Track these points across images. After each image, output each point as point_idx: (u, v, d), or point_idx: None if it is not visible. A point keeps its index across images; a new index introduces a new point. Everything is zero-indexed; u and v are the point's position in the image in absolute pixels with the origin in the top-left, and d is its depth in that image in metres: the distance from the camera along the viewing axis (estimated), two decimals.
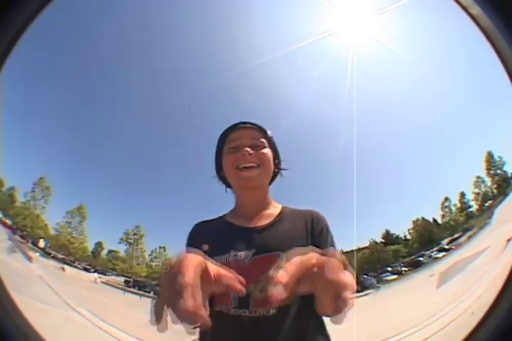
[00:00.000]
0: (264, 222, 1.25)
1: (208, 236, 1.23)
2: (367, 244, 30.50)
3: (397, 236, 30.64)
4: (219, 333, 1.07)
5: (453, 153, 34.77)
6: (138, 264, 31.71)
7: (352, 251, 30.97)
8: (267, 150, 1.29)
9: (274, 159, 1.34)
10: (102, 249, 33.28)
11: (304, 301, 1.07)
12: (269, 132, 1.33)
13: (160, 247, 31.03)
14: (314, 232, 1.21)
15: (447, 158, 35.26)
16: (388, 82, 41.95)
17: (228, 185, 1.40)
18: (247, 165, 1.22)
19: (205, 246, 1.10)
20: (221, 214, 1.39)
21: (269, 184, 1.36)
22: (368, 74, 40.16)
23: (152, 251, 32.00)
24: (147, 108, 43.75)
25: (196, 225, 1.34)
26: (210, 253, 1.09)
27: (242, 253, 1.15)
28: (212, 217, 1.38)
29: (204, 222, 1.36)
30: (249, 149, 1.23)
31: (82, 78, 40.32)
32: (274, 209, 1.31)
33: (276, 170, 1.38)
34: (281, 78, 47.76)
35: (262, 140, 1.29)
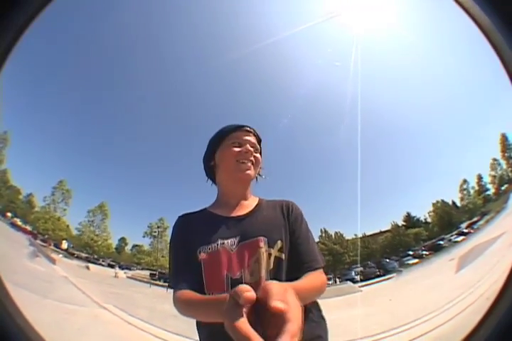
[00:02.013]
0: (244, 211, 1.34)
1: (193, 228, 1.33)
2: (389, 227, 30.57)
3: (418, 219, 30.42)
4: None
5: (469, 135, 34.29)
6: (163, 257, 32.03)
7: (375, 234, 31.13)
8: (259, 156, 1.40)
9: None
10: (126, 244, 33.85)
11: (289, 281, 1.11)
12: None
13: None
14: (290, 219, 1.31)
15: (464, 139, 34.83)
16: (397, 64, 41.41)
17: (211, 176, 1.48)
18: (246, 161, 1.33)
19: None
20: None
21: None
22: (373, 55, 39.78)
23: None
24: (160, 102, 43.93)
25: (180, 217, 1.40)
26: (198, 243, 1.25)
27: (228, 241, 1.23)
28: (194, 210, 1.44)
29: (187, 214, 1.42)
30: (251, 149, 1.35)
31: (92, 78, 40.67)
32: (253, 201, 1.40)
33: (258, 175, 1.47)
34: (285, 60, 47.47)
35: (258, 146, 1.42)
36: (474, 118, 36.01)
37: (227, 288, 1.14)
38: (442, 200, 28.98)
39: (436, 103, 38.50)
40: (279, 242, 1.22)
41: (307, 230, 1.33)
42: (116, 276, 23.83)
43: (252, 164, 1.35)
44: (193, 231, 1.31)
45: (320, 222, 31.76)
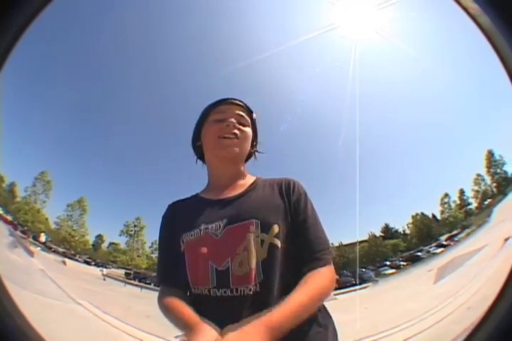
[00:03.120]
0: (236, 192, 1.19)
1: (179, 215, 1.22)
2: (366, 238, 30.64)
3: (397, 231, 30.61)
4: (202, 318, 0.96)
5: (454, 149, 34.90)
6: (138, 256, 31.59)
7: (352, 243, 31.17)
8: (248, 129, 1.26)
9: (253, 140, 1.31)
10: (103, 241, 33.16)
11: (288, 273, 1.01)
12: (254, 114, 1.32)
13: None
14: (291, 199, 1.13)
15: (448, 154, 35.41)
16: (390, 77, 42.00)
17: (200, 157, 1.36)
18: (228, 135, 1.18)
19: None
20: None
21: (245, 161, 1.32)
22: (370, 68, 40.23)
23: (153, 243, 31.85)
24: (145, 101, 43.77)
25: (169, 206, 1.30)
26: (181, 231, 1.12)
27: (212, 225, 1.08)
28: (187, 196, 1.32)
29: (177, 201, 1.31)
30: (234, 121, 1.21)
31: (80, 73, 40.36)
32: (248, 180, 1.25)
33: (253, 151, 1.35)
34: (284, 72, 47.78)
35: (247, 118, 1.27)
36: (460, 132, 36.69)
37: (212, 281, 1.01)
38: (422, 213, 29.32)
39: (422, 115, 39.11)
40: (275, 226, 1.04)
41: (313, 212, 1.14)
42: (104, 279, 22.56)
43: (238, 138, 1.20)
44: (178, 219, 1.20)
45: None
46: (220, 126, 1.20)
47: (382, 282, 21.17)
